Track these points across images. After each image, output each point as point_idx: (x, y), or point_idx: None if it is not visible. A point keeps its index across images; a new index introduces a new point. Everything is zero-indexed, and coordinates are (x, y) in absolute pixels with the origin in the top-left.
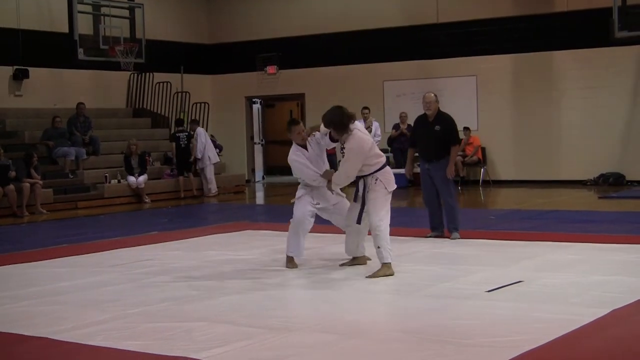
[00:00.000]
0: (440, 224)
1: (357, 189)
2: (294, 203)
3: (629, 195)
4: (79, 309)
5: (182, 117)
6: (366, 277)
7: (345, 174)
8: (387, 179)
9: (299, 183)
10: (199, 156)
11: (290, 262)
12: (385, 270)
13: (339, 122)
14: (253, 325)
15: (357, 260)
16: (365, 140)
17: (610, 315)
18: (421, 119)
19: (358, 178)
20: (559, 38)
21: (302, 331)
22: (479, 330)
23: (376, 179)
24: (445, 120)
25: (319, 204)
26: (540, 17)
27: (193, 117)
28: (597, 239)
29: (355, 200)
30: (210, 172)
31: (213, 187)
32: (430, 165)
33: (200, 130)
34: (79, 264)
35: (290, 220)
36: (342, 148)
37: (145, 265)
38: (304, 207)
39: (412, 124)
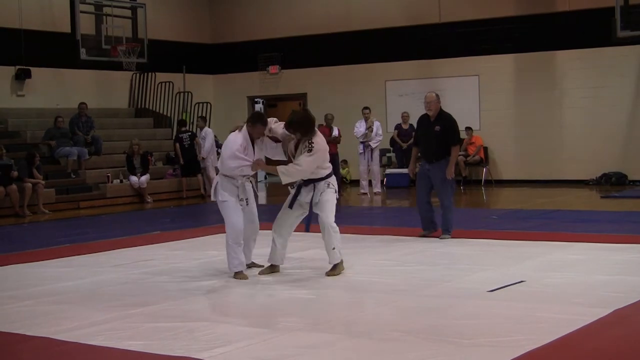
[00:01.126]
0: (431, 224)
1: (298, 195)
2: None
3: (631, 195)
4: (80, 309)
5: (184, 117)
6: (326, 274)
7: (306, 168)
8: (336, 183)
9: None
10: (205, 156)
11: (240, 275)
12: (340, 268)
13: (309, 125)
14: (255, 325)
15: (276, 269)
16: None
17: (612, 315)
18: (423, 119)
19: (306, 183)
20: (561, 38)
21: (303, 331)
22: (480, 330)
23: (328, 184)
24: (446, 120)
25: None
26: (543, 17)
27: (201, 115)
28: (599, 239)
29: (291, 206)
30: (214, 173)
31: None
32: (430, 166)
33: (208, 130)
34: (81, 264)
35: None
36: (310, 143)
37: (147, 265)
38: (236, 213)
39: (415, 124)
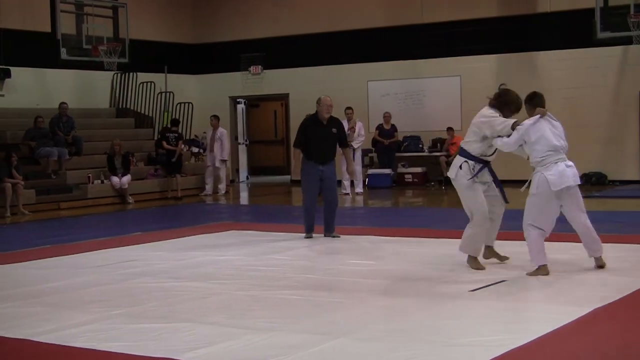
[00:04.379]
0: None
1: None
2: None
3: (611, 195)
4: (62, 310)
5: (166, 117)
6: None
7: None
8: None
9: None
10: (226, 157)
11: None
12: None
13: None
14: (238, 325)
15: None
16: None
17: (592, 314)
18: (314, 121)
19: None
20: (542, 38)
21: (287, 331)
22: (462, 330)
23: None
24: (338, 123)
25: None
26: (524, 18)
27: (214, 114)
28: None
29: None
30: (223, 172)
31: (223, 187)
32: (324, 167)
33: (223, 131)
34: (63, 265)
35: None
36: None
37: (130, 266)
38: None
39: (302, 126)
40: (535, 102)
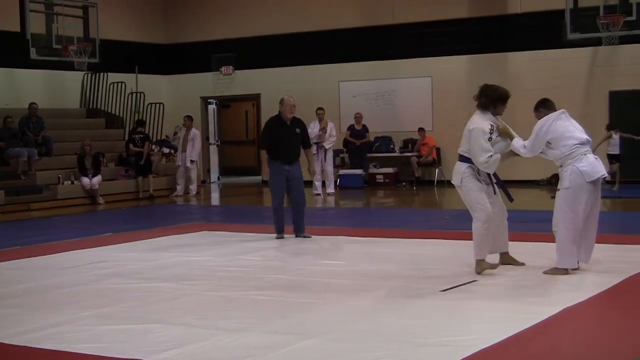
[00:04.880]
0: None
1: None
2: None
3: None
4: (32, 312)
5: (137, 117)
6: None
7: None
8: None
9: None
10: (195, 158)
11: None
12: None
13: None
14: (208, 326)
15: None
16: None
17: (562, 313)
18: (278, 122)
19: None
20: (513, 40)
21: (257, 332)
22: (433, 330)
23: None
24: (301, 123)
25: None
26: (495, 19)
27: (188, 114)
28: (550, 238)
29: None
30: (194, 173)
31: (194, 188)
32: (290, 167)
33: (196, 132)
34: (33, 267)
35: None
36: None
37: (100, 267)
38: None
39: (267, 127)
40: (548, 106)
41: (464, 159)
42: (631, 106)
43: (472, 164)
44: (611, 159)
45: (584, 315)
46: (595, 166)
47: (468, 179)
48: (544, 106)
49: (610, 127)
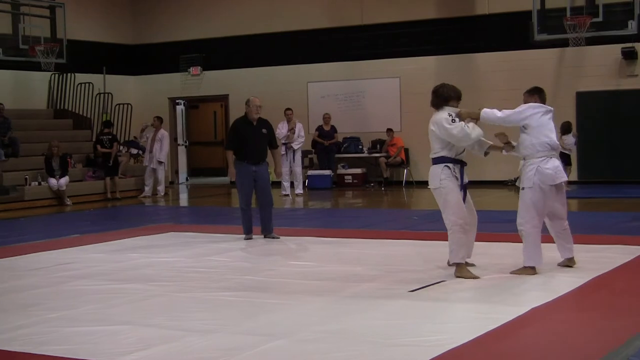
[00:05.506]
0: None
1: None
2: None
3: None
4: None
5: (105, 118)
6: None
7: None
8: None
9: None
10: (163, 159)
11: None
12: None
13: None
14: (177, 327)
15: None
16: None
17: (530, 313)
18: (244, 122)
19: (456, 162)
20: (481, 40)
21: (226, 333)
22: (402, 330)
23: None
24: (268, 124)
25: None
26: (463, 20)
27: (157, 115)
28: (517, 239)
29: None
30: (162, 174)
31: (162, 189)
32: (257, 167)
33: (165, 133)
34: None
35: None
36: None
37: (67, 268)
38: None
39: (233, 127)
40: (543, 97)
41: (437, 160)
42: (598, 107)
43: (448, 162)
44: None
45: (551, 315)
46: (559, 171)
47: (447, 180)
48: (540, 96)
49: (569, 129)
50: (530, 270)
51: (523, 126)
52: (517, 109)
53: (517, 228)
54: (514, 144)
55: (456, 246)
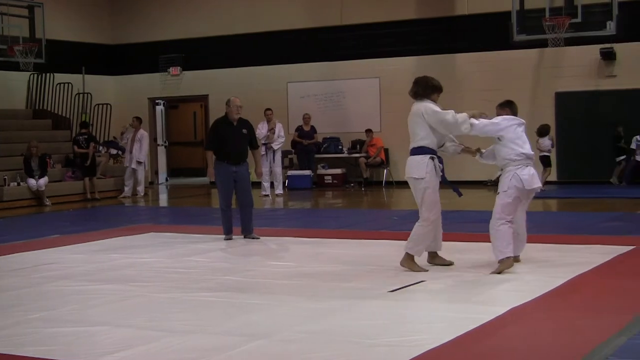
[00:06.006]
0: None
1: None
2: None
3: None
4: None
5: (84, 118)
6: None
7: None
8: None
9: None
10: (142, 159)
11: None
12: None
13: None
14: (156, 328)
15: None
16: None
17: (509, 313)
18: (225, 122)
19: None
20: (460, 41)
21: (206, 333)
22: (381, 330)
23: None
24: (249, 124)
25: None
26: (442, 20)
27: (136, 115)
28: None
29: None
30: (141, 174)
31: (142, 189)
32: (237, 168)
33: (144, 132)
34: None
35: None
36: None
37: (47, 269)
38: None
39: (213, 127)
40: (514, 110)
41: (420, 150)
42: (576, 107)
43: (432, 154)
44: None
45: (530, 315)
46: (534, 178)
47: (430, 174)
48: (512, 109)
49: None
50: (508, 261)
51: (498, 137)
52: (493, 120)
53: (490, 228)
54: (484, 150)
55: (420, 240)
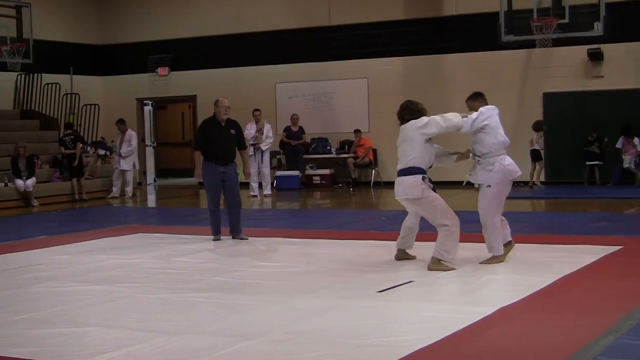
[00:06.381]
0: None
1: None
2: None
3: (515, 196)
4: None
5: (71, 119)
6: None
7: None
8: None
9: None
10: (127, 153)
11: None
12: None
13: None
14: (144, 329)
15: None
16: None
17: (497, 313)
18: (213, 123)
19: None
20: (448, 41)
21: (195, 334)
22: (370, 331)
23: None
24: (237, 125)
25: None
26: (431, 21)
27: (119, 118)
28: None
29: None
30: (130, 175)
31: (130, 190)
32: (225, 168)
33: (132, 132)
34: None
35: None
36: None
37: (34, 270)
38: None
39: (201, 128)
40: (486, 99)
41: (413, 171)
42: (564, 107)
43: (424, 174)
44: (538, 156)
45: (519, 315)
46: (515, 166)
47: (427, 190)
48: (483, 98)
49: (539, 127)
50: (500, 258)
51: (482, 127)
52: (478, 112)
53: (482, 222)
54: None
55: (453, 245)
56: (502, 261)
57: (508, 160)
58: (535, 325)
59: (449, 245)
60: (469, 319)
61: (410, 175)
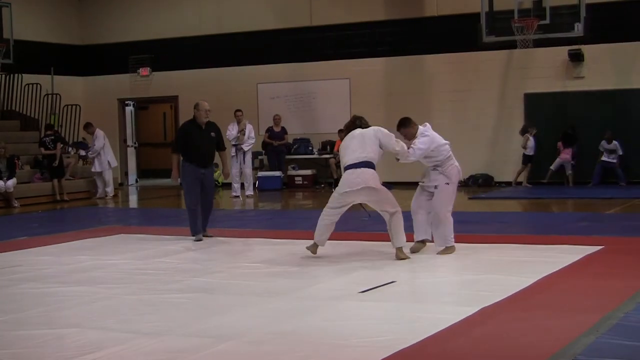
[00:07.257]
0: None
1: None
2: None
3: (497, 196)
4: None
5: (52, 120)
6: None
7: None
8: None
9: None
10: (91, 155)
11: None
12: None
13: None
14: (126, 330)
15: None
16: None
17: (479, 313)
18: (192, 126)
19: None
20: (430, 42)
21: (175, 335)
22: (352, 331)
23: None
24: (216, 127)
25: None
26: (412, 21)
27: (88, 121)
28: (468, 239)
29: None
30: (109, 175)
31: (111, 190)
32: (205, 170)
33: (100, 132)
34: None
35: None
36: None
37: (15, 271)
38: None
39: (181, 131)
40: (414, 122)
41: (373, 165)
42: (545, 108)
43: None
44: (527, 160)
45: (500, 315)
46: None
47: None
48: (413, 122)
49: (524, 131)
50: (452, 248)
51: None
52: (423, 146)
53: (441, 216)
54: None
55: (401, 231)
56: (454, 252)
57: (456, 162)
58: (516, 325)
59: (400, 231)
60: (450, 319)
61: (371, 168)
